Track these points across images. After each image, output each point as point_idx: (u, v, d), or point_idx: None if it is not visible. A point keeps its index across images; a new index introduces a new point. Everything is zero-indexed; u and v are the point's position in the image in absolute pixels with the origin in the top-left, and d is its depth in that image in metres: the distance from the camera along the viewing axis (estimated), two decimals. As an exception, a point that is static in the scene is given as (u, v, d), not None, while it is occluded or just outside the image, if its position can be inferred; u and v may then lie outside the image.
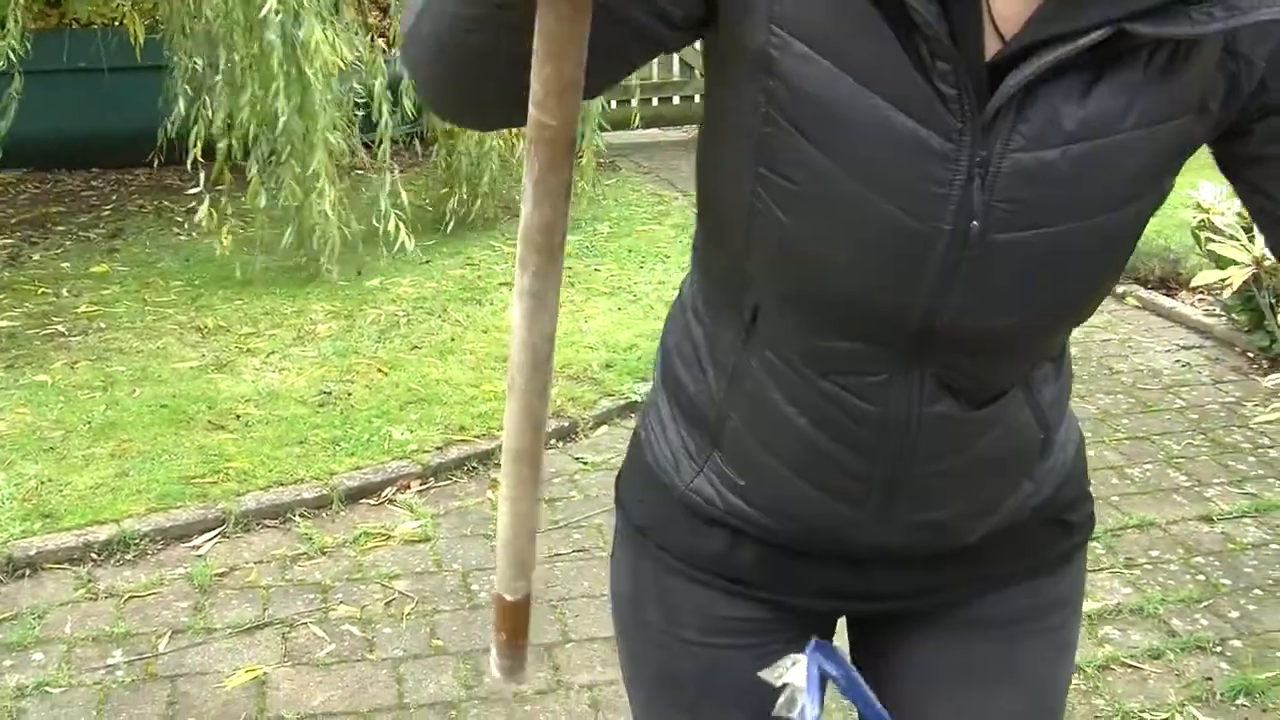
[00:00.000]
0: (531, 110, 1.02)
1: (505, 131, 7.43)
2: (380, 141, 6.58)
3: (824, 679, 1.30)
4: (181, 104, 6.33)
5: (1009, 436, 1.32)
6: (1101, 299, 1.25)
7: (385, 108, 6.48)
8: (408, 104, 7.25)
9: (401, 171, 8.78)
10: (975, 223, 1.11)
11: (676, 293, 1.50)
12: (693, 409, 1.40)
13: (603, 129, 8.04)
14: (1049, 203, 1.11)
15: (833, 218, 1.13)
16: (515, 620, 1.39)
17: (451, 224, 7.44)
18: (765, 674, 1.32)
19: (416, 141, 8.51)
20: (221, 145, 6.26)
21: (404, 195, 6.80)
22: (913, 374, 1.23)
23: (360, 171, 6.82)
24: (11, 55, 6.01)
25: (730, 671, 1.49)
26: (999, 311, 1.17)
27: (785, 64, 1.09)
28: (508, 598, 1.35)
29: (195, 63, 6.34)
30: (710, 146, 1.25)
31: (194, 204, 6.50)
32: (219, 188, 6.27)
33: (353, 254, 6.68)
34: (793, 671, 1.29)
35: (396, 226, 6.47)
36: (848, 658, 1.43)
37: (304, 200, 6.26)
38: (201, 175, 6.09)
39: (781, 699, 1.30)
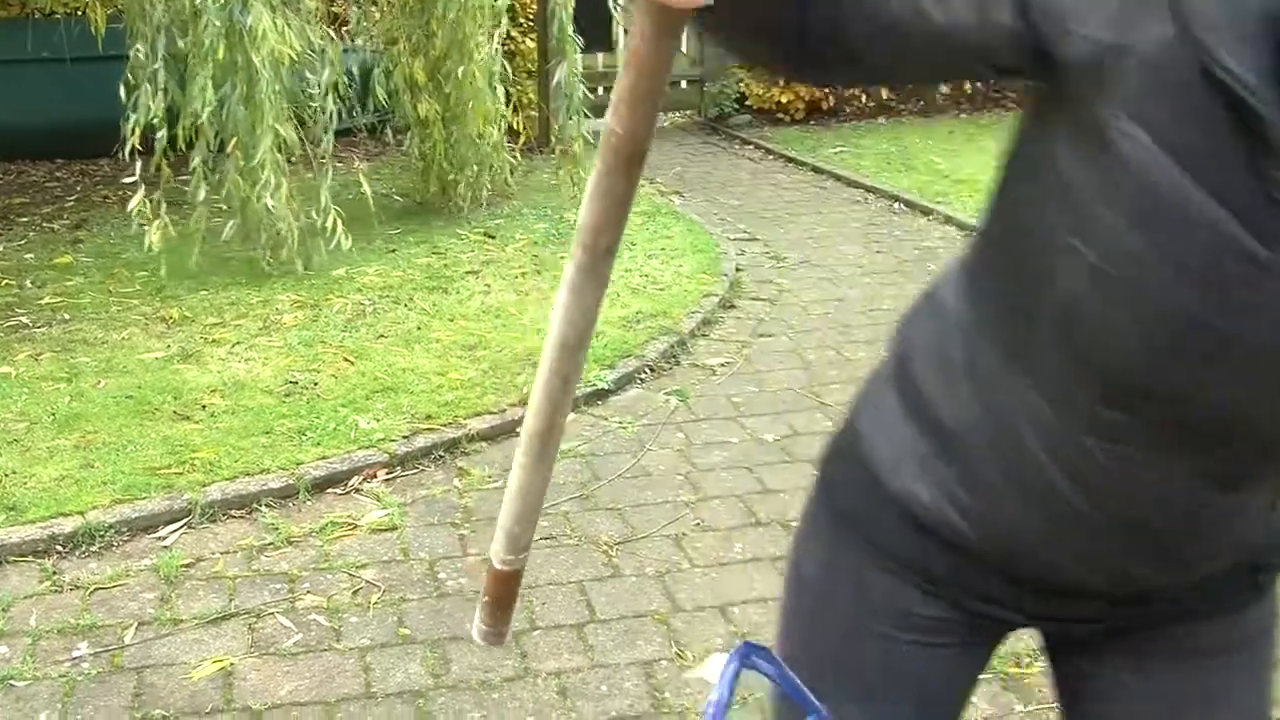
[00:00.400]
0: (608, 114, 1.07)
1: (480, 123, 7.40)
2: (326, 131, 6.50)
3: (738, 675, 1.31)
4: (124, 93, 6.17)
5: (1255, 516, 1.31)
6: None
7: (333, 98, 6.39)
8: (380, 92, 7.23)
9: (368, 160, 8.78)
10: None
11: (925, 294, 1.47)
12: (931, 418, 1.38)
13: (587, 116, 7.98)
14: None
15: (1138, 303, 1.11)
16: (497, 589, 1.43)
17: (426, 212, 7.39)
18: (690, 673, 1.34)
19: (389, 130, 8.49)
20: (161, 136, 6.10)
21: (366, 186, 6.79)
22: (1179, 456, 1.21)
23: (323, 162, 6.79)
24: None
25: (912, 667, 1.50)
26: None
27: (1121, 147, 1.06)
28: (495, 565, 1.38)
29: (140, 50, 6.21)
30: (1019, 192, 1.23)
31: (157, 194, 6.44)
32: (166, 180, 6.15)
33: (301, 247, 6.56)
34: (707, 669, 1.30)
35: (334, 222, 6.37)
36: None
37: (249, 193, 6.18)
38: (138, 165, 5.96)
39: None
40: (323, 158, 6.51)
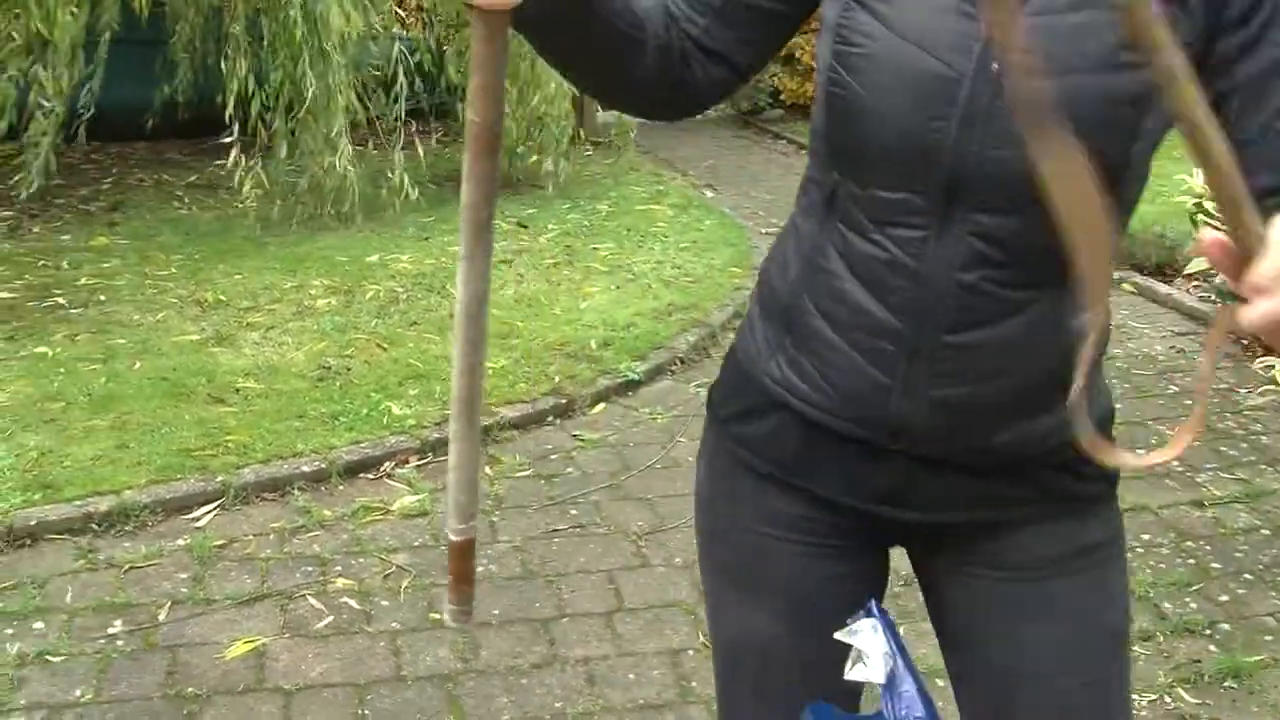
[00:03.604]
0: (468, 108, 1.27)
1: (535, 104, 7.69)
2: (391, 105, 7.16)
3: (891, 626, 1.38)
4: (225, 68, 6.93)
5: (1033, 342, 1.43)
6: (1121, 176, 1.37)
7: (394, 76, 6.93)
8: (452, 72, 7.66)
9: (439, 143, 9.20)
10: (994, 64, 1.33)
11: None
12: (774, 304, 1.57)
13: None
14: (1054, 56, 1.28)
15: (885, 71, 1.38)
16: (455, 562, 1.58)
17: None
18: (841, 635, 1.41)
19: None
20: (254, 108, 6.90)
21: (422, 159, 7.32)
22: (950, 231, 1.39)
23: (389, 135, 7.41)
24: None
25: (776, 562, 1.62)
26: (1016, 145, 1.26)
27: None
28: (451, 538, 1.53)
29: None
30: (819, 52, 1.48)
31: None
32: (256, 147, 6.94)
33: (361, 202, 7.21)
34: (864, 636, 1.39)
35: (401, 179, 7.12)
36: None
37: (322, 157, 6.90)
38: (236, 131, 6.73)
39: (851, 661, 1.38)
40: (391, 130, 7.33)
